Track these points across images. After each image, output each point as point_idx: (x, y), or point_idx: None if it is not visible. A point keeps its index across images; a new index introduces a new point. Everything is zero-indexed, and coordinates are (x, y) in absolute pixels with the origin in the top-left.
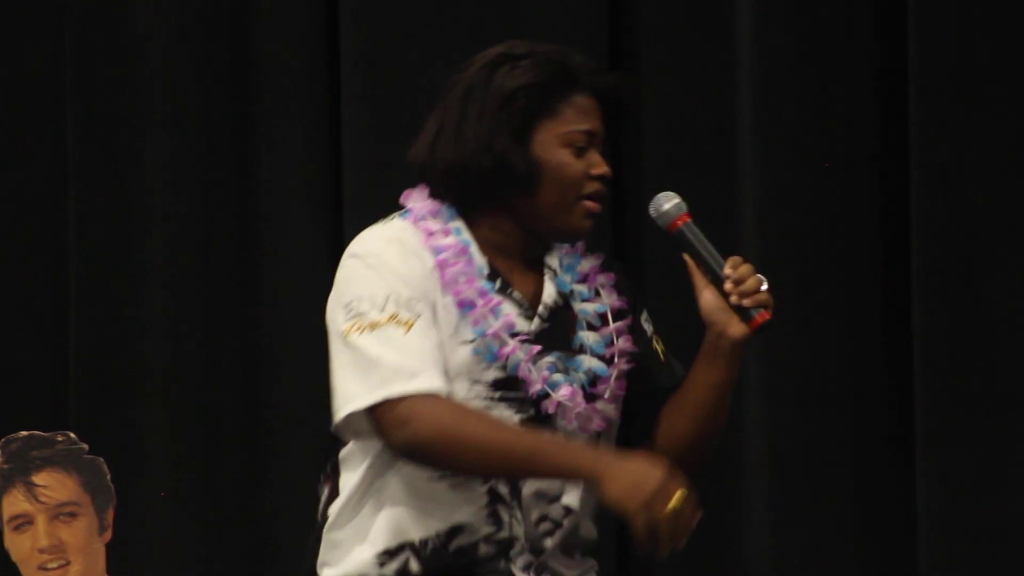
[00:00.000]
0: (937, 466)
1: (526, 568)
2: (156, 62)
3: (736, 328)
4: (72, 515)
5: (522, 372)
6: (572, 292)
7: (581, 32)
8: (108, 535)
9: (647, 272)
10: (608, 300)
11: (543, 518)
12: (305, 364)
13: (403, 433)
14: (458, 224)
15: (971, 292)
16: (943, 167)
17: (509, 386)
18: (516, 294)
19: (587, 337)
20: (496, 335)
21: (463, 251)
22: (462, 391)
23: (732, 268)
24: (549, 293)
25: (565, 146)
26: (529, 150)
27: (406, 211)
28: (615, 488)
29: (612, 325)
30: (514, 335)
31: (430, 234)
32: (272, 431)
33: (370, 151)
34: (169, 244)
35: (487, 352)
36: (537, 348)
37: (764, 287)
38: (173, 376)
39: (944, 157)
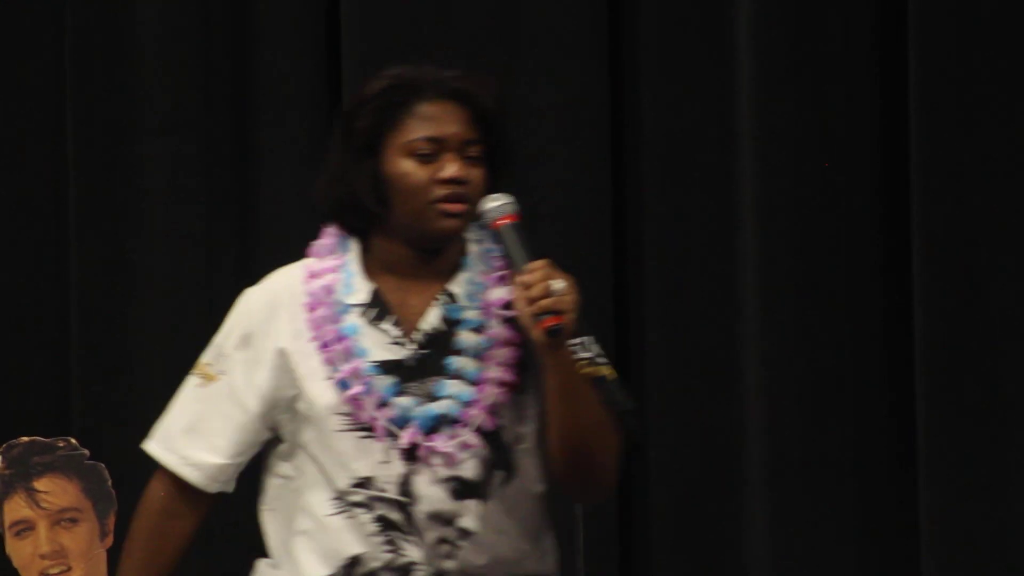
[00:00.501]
0: (939, 471)
1: None
2: (156, 67)
3: (534, 334)
4: (73, 521)
5: (363, 417)
6: (461, 320)
7: (580, 39)
8: (110, 541)
9: (647, 279)
10: (500, 331)
11: (441, 540)
12: None
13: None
14: (350, 256)
15: (972, 296)
16: (943, 170)
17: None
18: (392, 322)
19: (458, 363)
20: (345, 377)
21: (329, 291)
22: (336, 425)
23: (526, 273)
24: (431, 319)
25: (408, 156)
26: (378, 168)
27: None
28: None
29: (495, 353)
30: (383, 364)
31: (311, 276)
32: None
33: None
34: (169, 249)
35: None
36: (378, 393)
37: (557, 289)
38: (174, 382)
39: (944, 160)
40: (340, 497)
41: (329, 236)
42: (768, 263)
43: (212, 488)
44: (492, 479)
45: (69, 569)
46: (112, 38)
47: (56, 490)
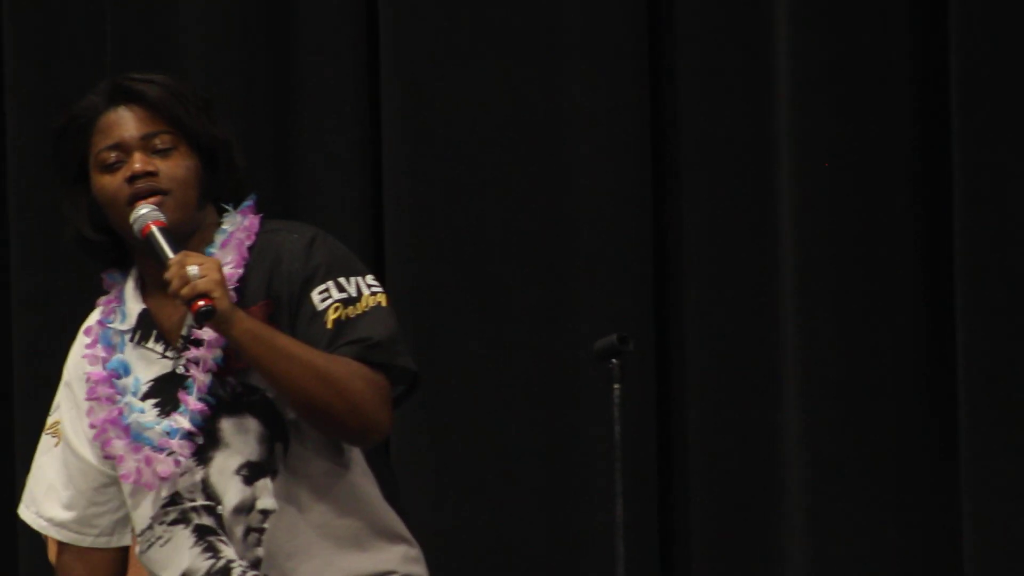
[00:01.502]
0: (980, 474)
1: None
2: (196, 72)
3: (194, 319)
4: None
5: (123, 469)
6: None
7: (619, 44)
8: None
9: (687, 282)
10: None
11: (248, 530)
12: None
13: None
14: (126, 285)
15: (1014, 297)
16: (985, 171)
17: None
18: (156, 338)
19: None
20: (103, 431)
21: (93, 332)
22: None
23: (166, 273)
24: (187, 324)
25: (101, 171)
26: (89, 194)
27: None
28: None
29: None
30: (152, 383)
31: (86, 330)
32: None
33: (408, 158)
34: None
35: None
36: (123, 434)
37: (192, 274)
38: None
39: (986, 160)
40: (149, 526)
41: (107, 272)
42: (807, 266)
43: (87, 542)
44: (274, 453)
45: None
46: (152, 45)
47: None
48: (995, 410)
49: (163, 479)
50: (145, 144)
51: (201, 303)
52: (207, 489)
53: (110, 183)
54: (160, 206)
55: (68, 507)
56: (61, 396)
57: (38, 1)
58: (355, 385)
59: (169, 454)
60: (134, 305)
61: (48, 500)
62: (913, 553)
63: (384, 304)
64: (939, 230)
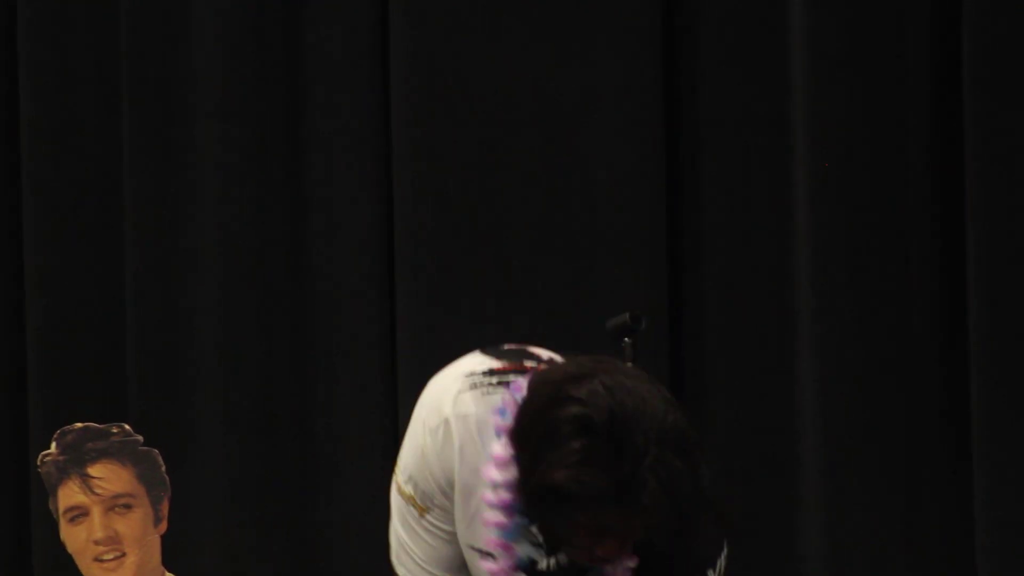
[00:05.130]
0: (994, 459)
1: None
2: (210, 54)
3: None
4: (127, 507)
5: None
6: None
7: (634, 32)
8: (163, 527)
9: (703, 268)
10: None
11: None
12: (358, 356)
13: None
14: None
15: None
16: (999, 158)
17: None
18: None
19: None
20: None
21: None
22: None
23: None
24: None
25: (571, 547)
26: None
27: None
28: None
29: None
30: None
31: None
32: (325, 422)
33: (419, 142)
34: (222, 235)
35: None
36: None
37: None
38: (227, 367)
39: (1000, 148)
40: None
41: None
42: (822, 253)
43: None
44: None
45: (123, 555)
46: (166, 26)
47: (110, 476)
48: (1009, 401)
49: None
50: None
51: None
52: None
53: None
54: None
55: None
56: (433, 490)
57: None
58: None
59: None
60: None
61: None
62: (927, 544)
63: None
64: (953, 221)
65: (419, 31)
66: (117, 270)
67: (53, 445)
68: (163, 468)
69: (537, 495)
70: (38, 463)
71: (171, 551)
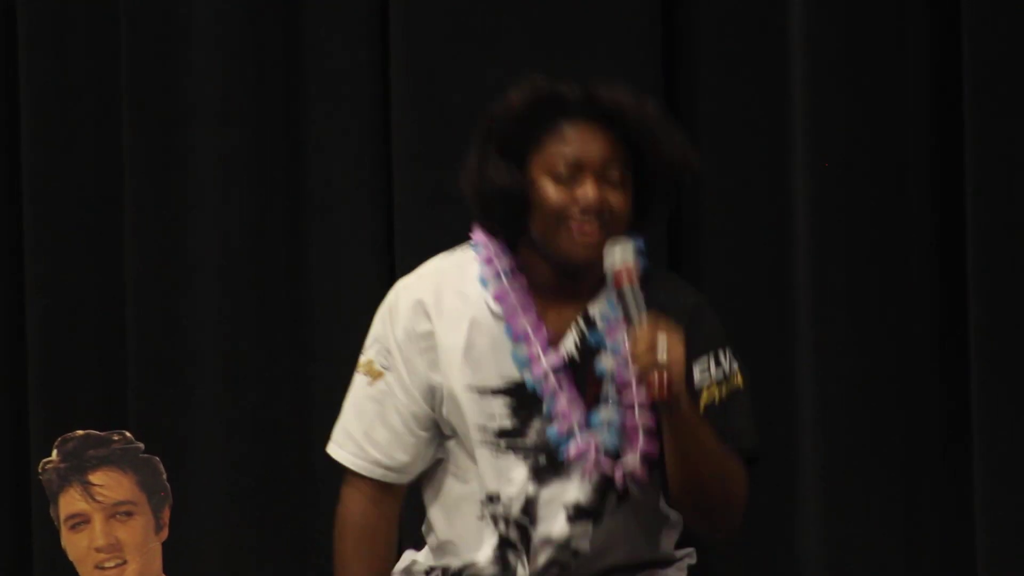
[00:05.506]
0: (993, 463)
1: None
2: (209, 59)
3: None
4: (128, 514)
5: (556, 409)
6: (597, 345)
7: (635, 37)
8: (164, 534)
9: (702, 273)
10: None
11: (552, 563)
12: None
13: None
14: (501, 263)
15: None
16: (998, 162)
17: (514, 434)
18: (543, 332)
19: (610, 390)
20: (537, 373)
21: (519, 282)
22: (475, 436)
23: (634, 339)
24: (569, 342)
25: (547, 174)
26: (521, 178)
27: (476, 244)
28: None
29: (631, 379)
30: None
31: (489, 261)
32: (326, 429)
33: (419, 148)
34: (222, 241)
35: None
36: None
37: (660, 351)
38: (227, 374)
39: (999, 152)
40: (479, 503)
41: (495, 240)
42: (821, 257)
43: (406, 480)
44: (607, 503)
45: (124, 562)
46: (166, 30)
47: (111, 483)
48: (1009, 406)
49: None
50: (602, 172)
51: (659, 384)
52: (528, 508)
53: (556, 195)
54: (594, 244)
55: (400, 449)
56: (392, 342)
57: None
58: (739, 490)
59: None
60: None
61: (371, 441)
62: (927, 548)
63: (742, 386)
64: (953, 223)
65: (419, 37)
66: (117, 276)
67: (54, 452)
68: (164, 475)
69: (499, 130)
70: (39, 470)
71: (172, 558)
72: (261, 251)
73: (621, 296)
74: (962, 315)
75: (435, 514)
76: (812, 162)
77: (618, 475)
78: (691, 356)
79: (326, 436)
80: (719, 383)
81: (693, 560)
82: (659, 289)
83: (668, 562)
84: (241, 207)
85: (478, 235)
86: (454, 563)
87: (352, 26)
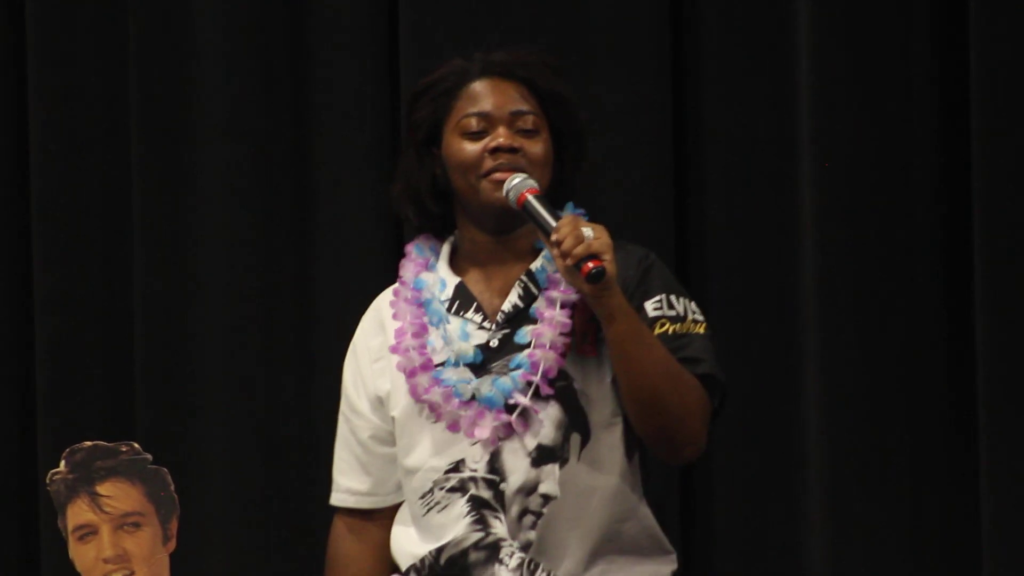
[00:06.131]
0: (1000, 476)
1: (518, 567)
2: (216, 75)
3: (580, 285)
4: (136, 525)
5: (441, 414)
6: (537, 295)
7: (643, 46)
8: (172, 545)
9: (708, 284)
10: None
11: (524, 512)
12: None
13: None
14: (433, 255)
15: None
16: (1005, 174)
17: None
18: (474, 308)
19: (528, 332)
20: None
21: (416, 294)
22: (422, 421)
23: (555, 232)
24: (509, 301)
25: (461, 135)
26: (438, 153)
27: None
28: None
29: (555, 315)
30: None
31: (401, 283)
32: (331, 443)
33: None
34: (229, 256)
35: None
36: (448, 387)
37: (588, 235)
38: (235, 387)
39: (1006, 163)
40: (431, 490)
41: (415, 242)
42: (827, 268)
43: (385, 503)
44: (569, 442)
45: (132, 573)
46: (173, 45)
47: (119, 494)
48: (1015, 410)
49: (479, 438)
50: (512, 120)
51: (591, 265)
52: (494, 463)
53: (470, 150)
54: (499, 182)
55: (359, 479)
56: (346, 372)
57: (59, 1)
58: (693, 396)
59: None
60: (450, 277)
61: (341, 474)
62: (933, 562)
63: (704, 332)
64: (959, 230)
65: (427, 49)
66: (126, 290)
67: (62, 463)
68: (172, 487)
69: (415, 124)
70: (47, 481)
71: (179, 569)
72: (268, 265)
73: (528, 210)
74: (968, 325)
75: (403, 513)
76: (818, 173)
77: (515, 421)
78: (645, 294)
79: (331, 449)
80: (673, 320)
81: (675, 566)
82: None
83: (654, 549)
84: (248, 222)
85: (408, 247)
86: (429, 547)
87: (359, 40)
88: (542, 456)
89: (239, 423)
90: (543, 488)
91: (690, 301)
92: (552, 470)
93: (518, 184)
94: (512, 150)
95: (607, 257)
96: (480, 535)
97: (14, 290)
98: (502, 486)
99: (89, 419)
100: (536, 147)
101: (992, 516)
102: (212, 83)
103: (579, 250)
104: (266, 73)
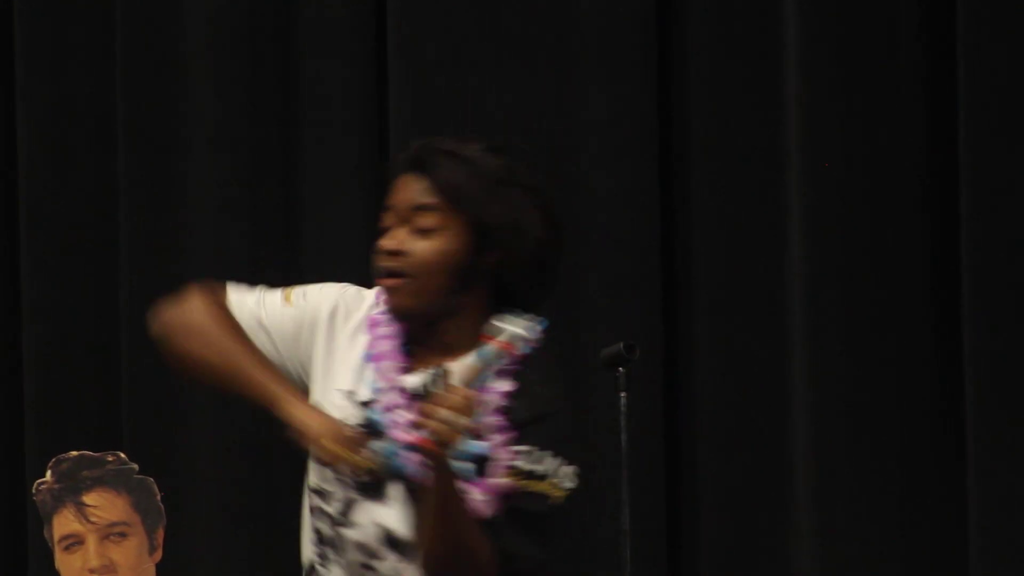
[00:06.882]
0: (988, 489)
1: None
2: (204, 85)
3: (420, 443)
4: (122, 535)
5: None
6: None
7: (629, 55)
8: (158, 555)
9: (695, 294)
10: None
11: (362, 566)
12: None
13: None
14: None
15: (1022, 309)
16: (992, 182)
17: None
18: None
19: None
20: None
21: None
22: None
23: (454, 393)
24: (415, 378)
25: (383, 229)
26: None
27: None
28: (300, 411)
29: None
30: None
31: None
32: None
33: None
34: (217, 265)
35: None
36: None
37: (453, 424)
38: (221, 397)
39: (994, 172)
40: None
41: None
42: (816, 278)
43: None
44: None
45: None
46: (161, 56)
47: (105, 504)
48: (1003, 419)
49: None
50: (411, 217)
51: (429, 444)
52: (347, 509)
53: (378, 245)
54: (395, 289)
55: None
56: (313, 294)
57: (48, 9)
58: (488, 563)
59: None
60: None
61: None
62: (920, 563)
63: (553, 499)
64: (947, 238)
65: (415, 59)
66: (113, 299)
67: (48, 473)
68: (158, 496)
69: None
70: (33, 491)
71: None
72: (256, 275)
73: (481, 353)
74: (956, 333)
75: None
76: (806, 178)
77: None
78: (523, 439)
79: None
80: (528, 476)
81: None
82: (532, 372)
83: None
84: (236, 231)
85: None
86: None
87: (348, 50)
88: (391, 541)
89: (226, 433)
90: (381, 566)
91: (566, 463)
92: (392, 557)
93: (505, 333)
94: (393, 253)
95: (445, 449)
96: (322, 569)
97: (1, 299)
98: (342, 530)
99: (76, 429)
100: (424, 248)
101: (979, 523)
102: (200, 93)
103: (436, 428)
104: (254, 83)
